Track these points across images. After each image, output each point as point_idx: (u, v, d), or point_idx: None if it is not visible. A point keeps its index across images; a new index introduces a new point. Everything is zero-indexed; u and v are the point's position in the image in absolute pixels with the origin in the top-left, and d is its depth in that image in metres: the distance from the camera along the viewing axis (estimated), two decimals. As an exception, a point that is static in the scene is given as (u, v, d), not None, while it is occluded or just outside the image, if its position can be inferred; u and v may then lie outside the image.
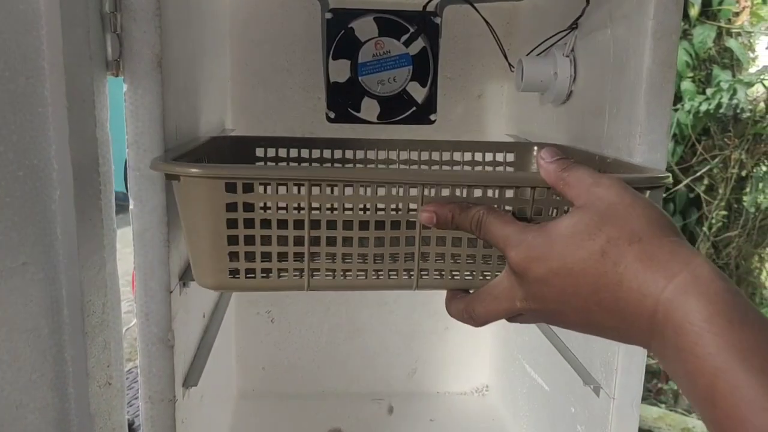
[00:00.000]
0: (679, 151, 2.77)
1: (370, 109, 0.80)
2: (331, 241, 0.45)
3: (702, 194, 2.80)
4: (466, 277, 0.47)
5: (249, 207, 0.44)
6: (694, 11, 2.71)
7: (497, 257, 0.46)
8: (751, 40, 2.85)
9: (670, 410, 2.45)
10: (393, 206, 0.45)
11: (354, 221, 0.45)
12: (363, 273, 0.46)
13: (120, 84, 0.51)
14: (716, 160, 2.75)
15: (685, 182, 2.76)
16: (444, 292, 0.48)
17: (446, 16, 0.80)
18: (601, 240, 0.34)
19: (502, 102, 0.92)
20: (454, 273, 0.47)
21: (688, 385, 0.31)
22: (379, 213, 0.46)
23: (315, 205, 0.44)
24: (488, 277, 0.46)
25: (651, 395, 2.49)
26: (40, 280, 0.46)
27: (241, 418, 0.93)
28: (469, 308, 0.42)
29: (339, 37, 0.77)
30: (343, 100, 0.79)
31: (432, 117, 0.81)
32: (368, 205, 0.45)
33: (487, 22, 0.80)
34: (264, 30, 0.87)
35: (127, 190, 0.53)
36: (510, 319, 0.41)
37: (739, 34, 2.81)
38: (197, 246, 0.46)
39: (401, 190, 0.44)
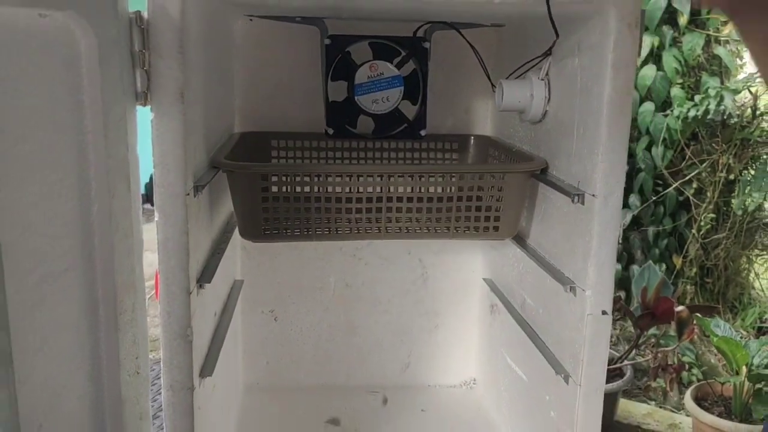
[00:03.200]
0: (669, 156, 2.84)
1: (365, 125, 0.88)
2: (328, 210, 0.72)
3: (691, 197, 2.87)
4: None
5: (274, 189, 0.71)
6: (683, 20, 2.78)
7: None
8: (739, 48, 2.92)
9: (660, 407, 2.53)
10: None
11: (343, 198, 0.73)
12: (348, 229, 0.74)
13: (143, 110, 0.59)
14: (705, 164, 2.82)
15: (674, 185, 2.83)
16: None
17: (435, 41, 0.88)
18: None
19: (488, 117, 1.00)
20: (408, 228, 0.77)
21: None
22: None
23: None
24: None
25: (641, 393, 2.57)
26: (81, 284, 0.53)
27: (247, 409, 1.00)
28: None
29: (337, 61, 0.85)
30: (340, 118, 0.87)
31: (422, 132, 0.89)
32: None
33: (471, 46, 0.87)
34: (270, 55, 0.94)
35: (152, 204, 0.60)
36: None
37: (727, 42, 2.88)
38: (242, 213, 0.73)
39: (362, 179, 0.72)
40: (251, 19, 0.89)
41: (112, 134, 0.53)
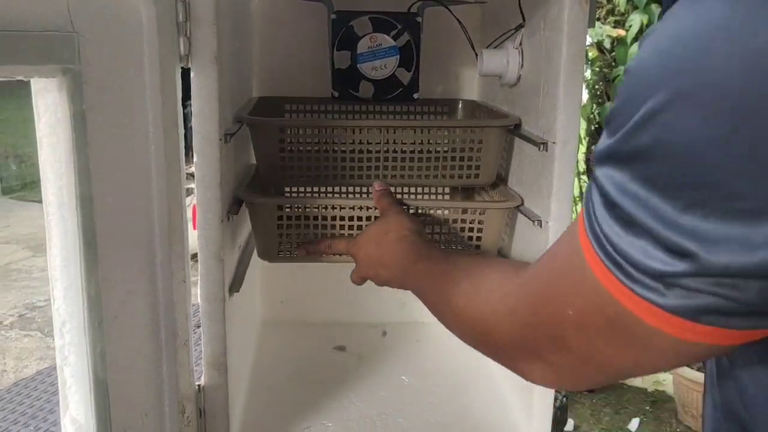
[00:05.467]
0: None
1: (366, 89, 1.01)
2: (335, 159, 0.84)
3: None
4: None
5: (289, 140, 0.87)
6: (670, -3, 2.88)
7: None
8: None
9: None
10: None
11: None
12: (352, 176, 0.89)
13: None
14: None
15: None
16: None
17: (428, 16, 1.01)
18: (378, 238, 0.76)
19: (474, 83, 1.13)
20: None
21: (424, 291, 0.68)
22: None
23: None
24: None
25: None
26: (142, 207, 0.68)
27: (265, 338, 1.15)
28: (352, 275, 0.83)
29: (342, 33, 0.98)
30: (344, 83, 1.01)
31: (415, 95, 1.02)
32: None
33: (458, 20, 1.01)
34: (283, 28, 1.07)
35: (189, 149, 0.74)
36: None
37: (714, 19, 2.98)
38: (263, 162, 0.88)
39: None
40: (267, -3, 1.03)
41: (167, 88, 0.67)
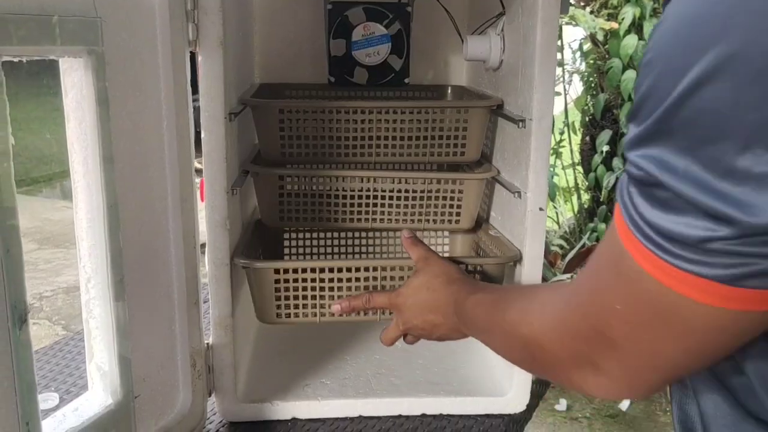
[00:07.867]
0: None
1: (360, 75, 1.08)
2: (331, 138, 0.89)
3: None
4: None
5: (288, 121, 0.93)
6: (662, -9, 2.95)
7: None
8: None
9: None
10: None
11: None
12: (347, 154, 0.96)
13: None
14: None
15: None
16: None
17: (419, 5, 1.08)
18: (429, 284, 0.77)
19: (462, 69, 1.20)
20: None
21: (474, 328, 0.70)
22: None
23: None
24: None
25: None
26: (157, 176, 0.75)
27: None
28: (384, 332, 0.84)
29: (337, 23, 1.05)
30: (340, 69, 1.08)
31: (406, 80, 1.10)
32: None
33: (446, 9, 1.08)
34: (282, 18, 1.14)
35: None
36: (404, 339, 0.84)
37: (705, 11, 3.04)
38: (265, 140, 0.96)
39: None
40: (267, -11, 1.10)
41: (177, 69, 0.74)
